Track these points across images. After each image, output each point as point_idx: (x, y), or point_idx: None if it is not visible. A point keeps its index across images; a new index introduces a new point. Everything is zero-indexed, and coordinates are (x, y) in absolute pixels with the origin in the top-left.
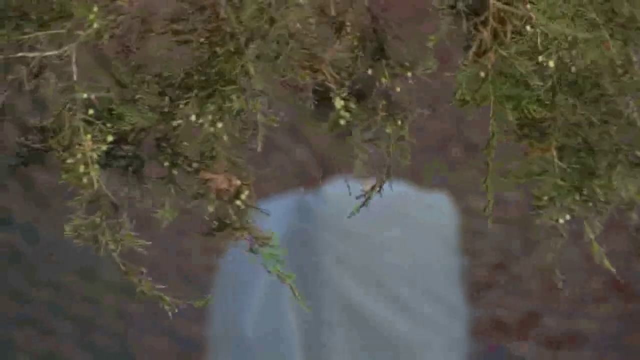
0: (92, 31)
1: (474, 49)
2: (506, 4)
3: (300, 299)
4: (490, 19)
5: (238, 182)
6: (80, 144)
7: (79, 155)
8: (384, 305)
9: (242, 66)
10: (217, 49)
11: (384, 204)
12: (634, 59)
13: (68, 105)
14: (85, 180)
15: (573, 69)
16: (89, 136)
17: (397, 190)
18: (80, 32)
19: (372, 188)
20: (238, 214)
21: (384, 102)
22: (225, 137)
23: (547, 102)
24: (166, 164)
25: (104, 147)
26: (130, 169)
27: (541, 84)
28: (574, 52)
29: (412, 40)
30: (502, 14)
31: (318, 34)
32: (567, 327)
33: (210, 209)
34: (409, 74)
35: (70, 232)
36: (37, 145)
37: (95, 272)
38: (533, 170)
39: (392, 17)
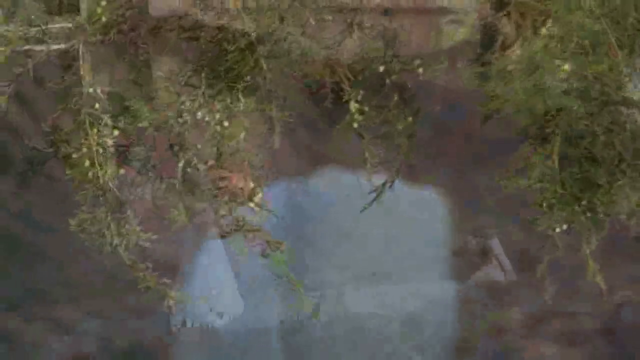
0: (100, 25)
1: (499, 43)
2: None
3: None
4: (512, 12)
5: (252, 184)
6: (86, 139)
7: (85, 150)
8: (370, 299)
9: (256, 61)
10: (227, 45)
11: (373, 198)
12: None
13: (76, 99)
14: (90, 175)
15: (587, 75)
16: (95, 130)
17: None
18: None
19: (384, 184)
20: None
21: (395, 98)
22: (242, 135)
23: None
24: (180, 163)
25: (110, 142)
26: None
27: (560, 83)
28: (589, 57)
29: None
30: (522, 10)
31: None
32: (569, 327)
33: (223, 212)
34: (420, 70)
35: (75, 226)
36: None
37: None
38: (534, 174)
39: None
